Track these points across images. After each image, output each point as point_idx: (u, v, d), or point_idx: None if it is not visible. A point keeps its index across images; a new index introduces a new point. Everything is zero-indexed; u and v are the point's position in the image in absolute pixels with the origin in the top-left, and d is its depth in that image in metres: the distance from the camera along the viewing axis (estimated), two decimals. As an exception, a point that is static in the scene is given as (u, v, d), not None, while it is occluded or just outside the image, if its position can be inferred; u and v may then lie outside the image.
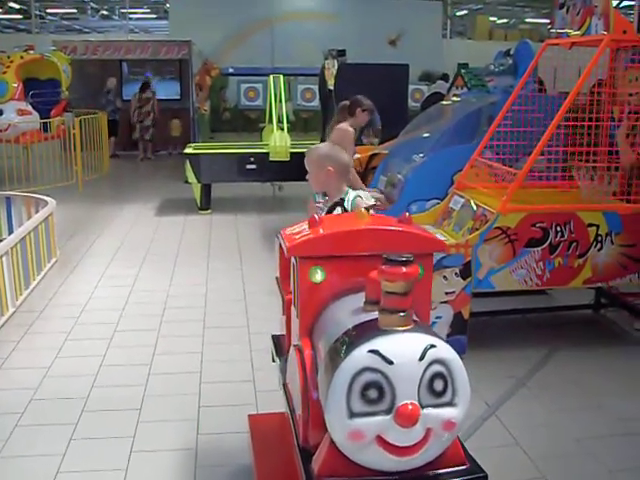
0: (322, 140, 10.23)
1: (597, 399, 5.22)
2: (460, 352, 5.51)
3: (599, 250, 5.93)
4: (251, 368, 5.66)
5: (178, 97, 20.37)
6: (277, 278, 4.08)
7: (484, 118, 8.00)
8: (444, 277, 5.61)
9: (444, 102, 8.99)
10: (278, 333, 4.05)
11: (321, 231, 3.15)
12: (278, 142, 11.83)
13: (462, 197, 6.37)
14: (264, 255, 9.05)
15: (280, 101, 12.95)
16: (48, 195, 9.50)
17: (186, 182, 12.13)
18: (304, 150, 11.26)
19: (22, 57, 15.05)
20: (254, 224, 11.15)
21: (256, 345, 6.06)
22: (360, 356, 2.52)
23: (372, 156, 8.76)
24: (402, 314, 2.58)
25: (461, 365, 2.63)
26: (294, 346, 3.16)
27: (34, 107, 14.57)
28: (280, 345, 3.94)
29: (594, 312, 7.03)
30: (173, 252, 9.26)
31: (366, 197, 4.84)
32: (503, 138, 6.51)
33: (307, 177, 4.23)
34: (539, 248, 5.81)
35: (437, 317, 5.61)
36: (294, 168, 11.48)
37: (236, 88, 22.82)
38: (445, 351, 2.60)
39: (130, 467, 4.29)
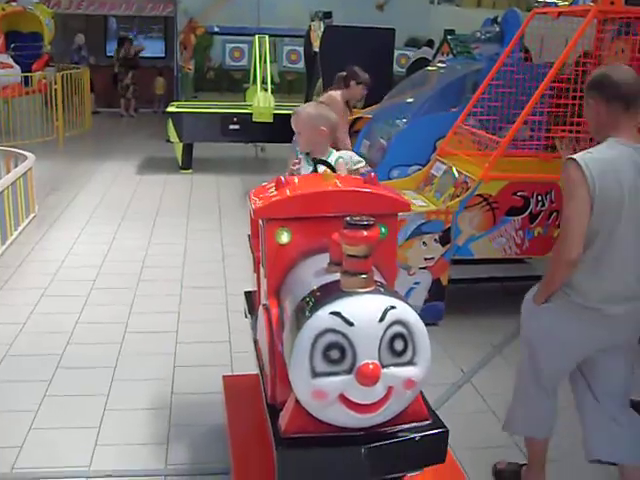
0: (306, 102, 10.16)
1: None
2: (437, 318, 5.55)
3: (579, 221, 5.90)
4: (227, 329, 5.66)
5: (163, 55, 20.21)
6: (249, 236, 4.09)
7: (468, 85, 7.97)
8: (423, 243, 5.60)
9: (429, 68, 8.93)
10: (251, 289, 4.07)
11: (287, 192, 3.16)
12: (262, 103, 11.72)
13: (444, 163, 6.35)
14: (244, 217, 8.82)
15: (265, 62, 12.81)
16: (28, 150, 9.39)
17: (168, 141, 12.06)
18: (288, 112, 11.24)
19: (3, 9, 14.83)
20: (235, 185, 11.09)
21: (233, 306, 6.04)
22: (322, 317, 2.55)
23: (355, 120, 8.72)
24: (363, 276, 2.61)
25: (421, 325, 2.65)
26: (262, 305, 3.21)
27: (15, 60, 14.36)
28: (252, 302, 3.96)
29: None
30: (153, 211, 9.21)
31: (350, 158, 4.84)
32: (487, 106, 6.48)
33: (295, 138, 4.17)
34: (519, 217, 5.81)
35: (415, 283, 5.62)
36: (277, 130, 11.41)
37: (221, 48, 22.55)
38: (405, 312, 2.62)
39: (103, 425, 4.29)
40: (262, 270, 3.29)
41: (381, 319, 2.54)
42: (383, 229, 3.07)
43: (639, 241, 3.24)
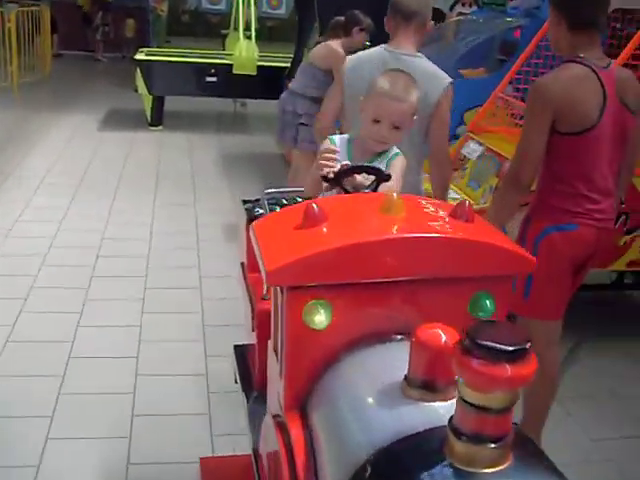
0: (296, 55, 8.77)
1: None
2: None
3: (652, 225, 4.72)
4: (204, 355, 4.36)
5: (134, -6, 18.60)
6: (242, 264, 2.80)
7: (496, 44, 6.68)
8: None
9: (453, 19, 7.55)
10: (242, 343, 2.84)
11: (326, 238, 1.84)
12: (244, 53, 10.29)
13: (480, 144, 5.05)
14: (221, 187, 7.77)
15: (248, 6, 11.33)
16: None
17: (136, 91, 10.63)
18: (274, 64, 9.84)
19: None
20: (211, 146, 9.78)
21: (211, 319, 4.79)
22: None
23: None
24: (495, 445, 1.32)
25: None
26: (274, 419, 1.94)
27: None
28: (246, 366, 2.67)
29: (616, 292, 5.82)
30: (114, 179, 7.81)
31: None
32: (533, 72, 5.19)
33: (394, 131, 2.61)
34: (581, 219, 4.56)
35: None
36: (261, 84, 10.14)
37: (197, -12, 20.97)
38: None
39: None
40: (275, 363, 1.97)
41: None
42: (488, 302, 1.87)
43: None
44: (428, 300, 1.83)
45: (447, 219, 1.93)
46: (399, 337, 1.81)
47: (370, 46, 7.02)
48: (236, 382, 2.76)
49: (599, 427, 3.95)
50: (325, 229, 1.85)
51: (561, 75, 3.06)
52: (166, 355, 4.33)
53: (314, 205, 1.87)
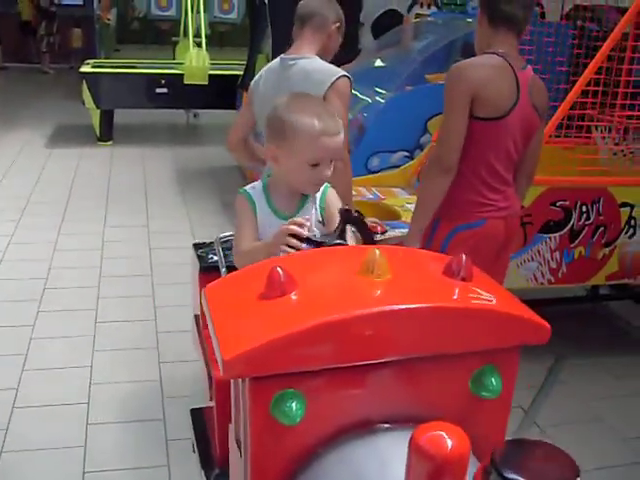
0: (249, 62, 8.45)
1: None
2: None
3: (630, 237, 4.48)
4: (160, 397, 4.03)
5: (81, 3, 18.06)
6: (196, 317, 2.48)
7: (458, 47, 6.42)
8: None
9: (411, 22, 7.27)
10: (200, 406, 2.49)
11: (294, 309, 1.53)
12: (195, 62, 9.93)
13: (447, 156, 4.77)
14: (176, 204, 7.42)
15: (198, 11, 10.98)
16: None
17: (84, 104, 10.22)
18: (225, 72, 9.49)
19: None
20: (164, 160, 9.39)
21: (166, 355, 4.44)
22: None
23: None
24: None
25: None
26: None
27: None
28: (206, 435, 2.35)
29: (592, 304, 5.61)
30: (62, 200, 7.40)
31: None
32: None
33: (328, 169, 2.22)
34: (557, 234, 4.30)
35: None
36: (212, 93, 9.81)
37: (146, -5, 20.54)
38: None
39: None
40: (238, 460, 1.63)
41: None
42: (493, 379, 1.61)
43: None
44: (420, 380, 1.54)
45: (441, 278, 1.63)
46: (386, 426, 1.51)
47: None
48: (194, 451, 2.44)
49: (584, 456, 3.68)
50: (294, 299, 1.53)
51: (479, 61, 3.09)
52: (119, 399, 4.00)
53: (279, 270, 1.54)
